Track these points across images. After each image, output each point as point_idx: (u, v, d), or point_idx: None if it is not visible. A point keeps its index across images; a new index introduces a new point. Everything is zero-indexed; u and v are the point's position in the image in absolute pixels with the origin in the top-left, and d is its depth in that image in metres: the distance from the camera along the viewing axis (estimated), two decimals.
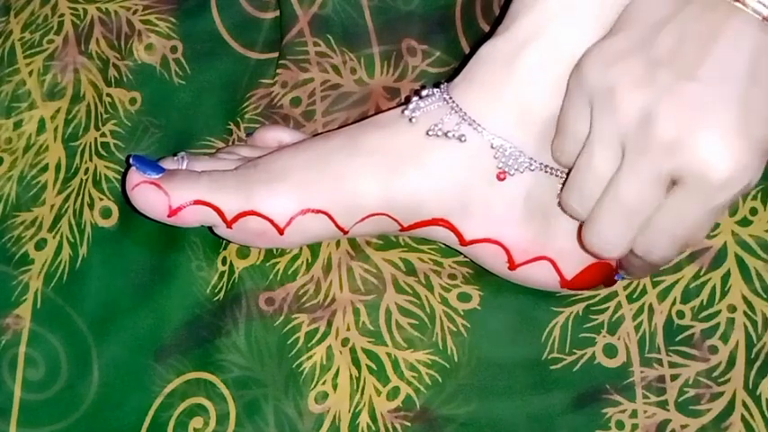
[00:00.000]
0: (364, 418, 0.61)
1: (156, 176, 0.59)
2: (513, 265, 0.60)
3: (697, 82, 0.49)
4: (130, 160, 0.59)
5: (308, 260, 0.64)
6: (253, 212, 0.59)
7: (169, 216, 0.59)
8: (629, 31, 0.52)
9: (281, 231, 0.59)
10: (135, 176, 0.59)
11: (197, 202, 0.59)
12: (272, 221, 0.59)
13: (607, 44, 0.52)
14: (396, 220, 0.60)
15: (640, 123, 0.49)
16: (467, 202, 0.58)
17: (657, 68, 0.50)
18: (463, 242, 0.60)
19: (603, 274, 0.60)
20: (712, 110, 0.48)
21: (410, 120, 0.58)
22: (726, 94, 0.48)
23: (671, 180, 0.50)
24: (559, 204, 0.57)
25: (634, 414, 0.61)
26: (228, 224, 0.59)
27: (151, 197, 0.59)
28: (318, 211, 0.59)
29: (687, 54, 0.49)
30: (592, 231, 0.54)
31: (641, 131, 0.49)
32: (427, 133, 0.58)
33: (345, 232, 0.60)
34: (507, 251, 0.59)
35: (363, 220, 0.60)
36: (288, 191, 0.59)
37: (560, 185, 0.57)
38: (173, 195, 0.58)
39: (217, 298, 0.64)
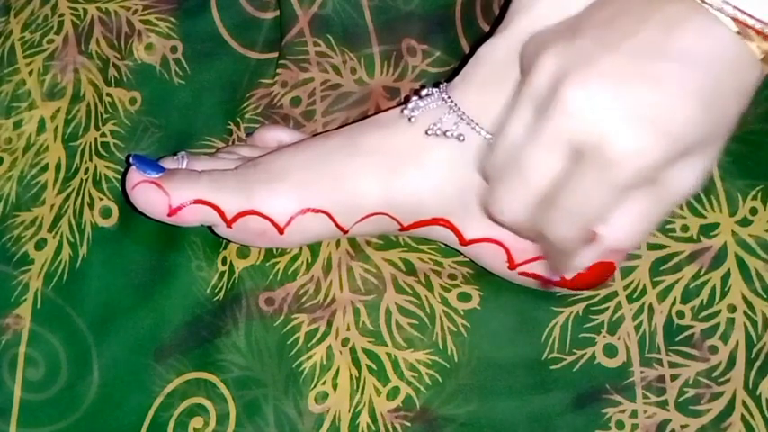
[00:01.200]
0: (364, 418, 0.61)
1: (156, 176, 0.59)
2: (512, 265, 0.60)
3: (616, 53, 0.47)
4: (130, 160, 0.59)
5: (307, 260, 0.64)
6: (253, 212, 0.59)
7: (169, 215, 0.59)
8: (573, 17, 0.52)
9: (281, 231, 0.59)
10: (135, 176, 0.59)
11: (197, 202, 0.59)
12: (272, 221, 0.59)
13: (549, 27, 0.52)
14: (396, 220, 0.60)
15: (550, 88, 0.48)
16: (466, 201, 0.58)
17: (581, 37, 0.49)
18: (463, 242, 0.60)
19: (604, 273, 0.60)
20: (624, 83, 0.46)
21: (409, 119, 0.58)
22: (645, 72, 0.46)
23: (576, 153, 0.48)
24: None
25: (634, 414, 0.61)
26: (228, 224, 0.59)
27: (151, 196, 0.59)
28: (318, 211, 0.59)
29: (615, 27, 0.48)
30: (492, 194, 0.53)
31: (549, 96, 0.48)
32: (426, 133, 0.58)
33: (345, 232, 0.60)
34: (507, 250, 0.59)
35: (363, 219, 0.60)
36: (288, 190, 0.59)
37: None
38: (173, 195, 0.58)
39: (217, 298, 0.64)
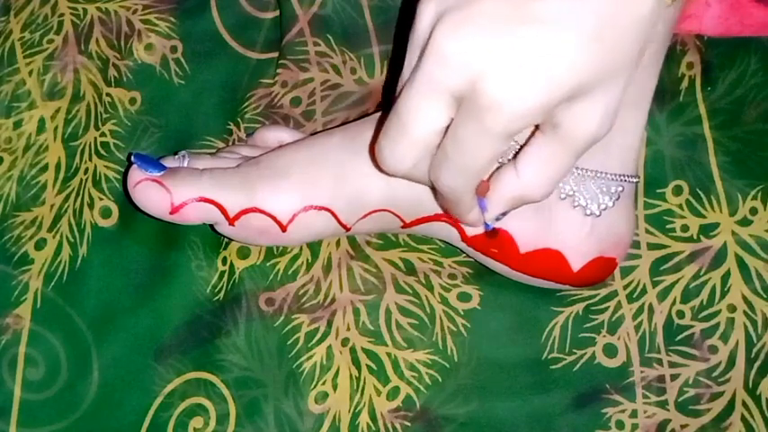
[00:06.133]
0: (364, 418, 0.61)
1: (158, 174, 0.59)
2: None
3: None
4: (132, 158, 0.59)
5: (308, 260, 0.64)
6: (255, 209, 0.59)
7: (171, 213, 0.59)
8: None
9: (283, 228, 0.59)
10: (136, 174, 0.59)
11: (200, 200, 0.58)
12: (274, 218, 0.59)
13: None
14: (398, 216, 0.60)
15: (428, 34, 0.46)
16: None
17: None
18: (465, 238, 0.60)
19: (605, 270, 0.60)
20: (501, 26, 0.43)
21: None
22: (524, 13, 0.43)
23: (457, 101, 0.45)
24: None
25: (634, 414, 0.61)
26: (231, 221, 0.59)
27: (153, 194, 0.58)
28: (321, 208, 0.59)
29: None
30: (377, 142, 0.50)
31: (427, 42, 0.45)
32: None
33: (348, 229, 0.60)
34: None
35: (366, 216, 0.60)
36: (291, 188, 0.59)
37: None
38: (175, 193, 0.58)
39: (217, 298, 0.64)
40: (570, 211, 0.57)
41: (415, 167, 0.50)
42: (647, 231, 0.64)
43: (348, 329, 0.63)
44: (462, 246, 0.62)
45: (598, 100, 0.45)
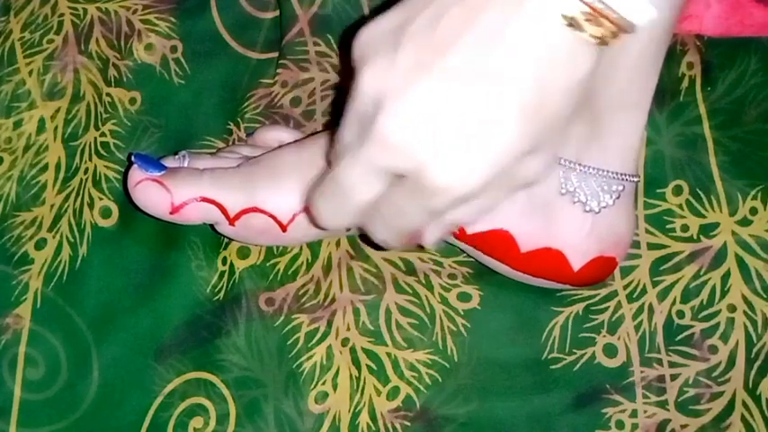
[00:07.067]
0: (364, 418, 0.61)
1: (158, 174, 0.59)
2: (517, 254, 0.60)
3: (432, 75, 0.42)
4: (132, 158, 0.59)
5: (308, 260, 0.64)
6: (256, 209, 0.59)
7: (172, 213, 0.59)
8: (403, 7, 0.45)
9: (283, 228, 0.59)
10: (137, 174, 0.59)
11: (201, 199, 0.58)
12: (275, 218, 0.59)
13: (380, 18, 0.46)
14: None
15: (371, 109, 0.44)
16: None
17: (402, 50, 0.43)
18: (464, 236, 0.60)
19: (604, 270, 0.60)
20: (440, 109, 0.42)
21: None
22: (461, 94, 0.42)
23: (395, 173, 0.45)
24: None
25: (634, 414, 0.61)
26: (231, 221, 0.59)
27: (153, 194, 0.58)
28: None
29: (435, 38, 0.43)
30: (315, 202, 0.50)
31: (369, 118, 0.44)
32: None
33: (348, 229, 0.60)
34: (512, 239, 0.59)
35: None
36: (291, 188, 0.59)
37: (562, 176, 0.57)
38: (175, 193, 0.58)
39: (217, 298, 0.64)
40: (570, 208, 0.57)
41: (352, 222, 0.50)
42: (647, 231, 0.64)
43: (348, 329, 0.63)
44: (462, 245, 0.62)
45: (538, 155, 0.45)
